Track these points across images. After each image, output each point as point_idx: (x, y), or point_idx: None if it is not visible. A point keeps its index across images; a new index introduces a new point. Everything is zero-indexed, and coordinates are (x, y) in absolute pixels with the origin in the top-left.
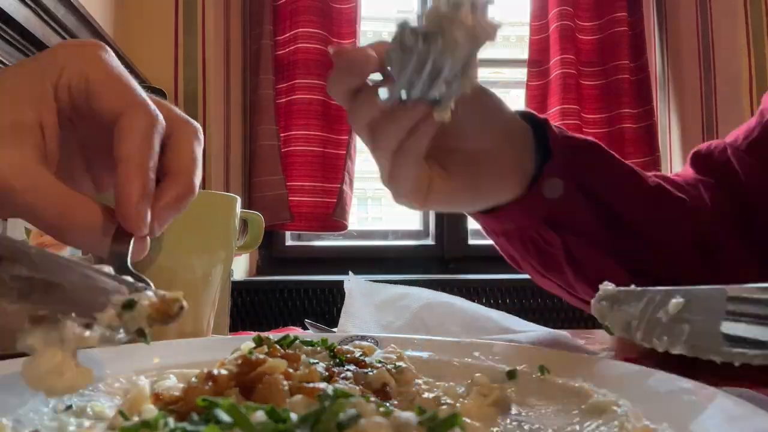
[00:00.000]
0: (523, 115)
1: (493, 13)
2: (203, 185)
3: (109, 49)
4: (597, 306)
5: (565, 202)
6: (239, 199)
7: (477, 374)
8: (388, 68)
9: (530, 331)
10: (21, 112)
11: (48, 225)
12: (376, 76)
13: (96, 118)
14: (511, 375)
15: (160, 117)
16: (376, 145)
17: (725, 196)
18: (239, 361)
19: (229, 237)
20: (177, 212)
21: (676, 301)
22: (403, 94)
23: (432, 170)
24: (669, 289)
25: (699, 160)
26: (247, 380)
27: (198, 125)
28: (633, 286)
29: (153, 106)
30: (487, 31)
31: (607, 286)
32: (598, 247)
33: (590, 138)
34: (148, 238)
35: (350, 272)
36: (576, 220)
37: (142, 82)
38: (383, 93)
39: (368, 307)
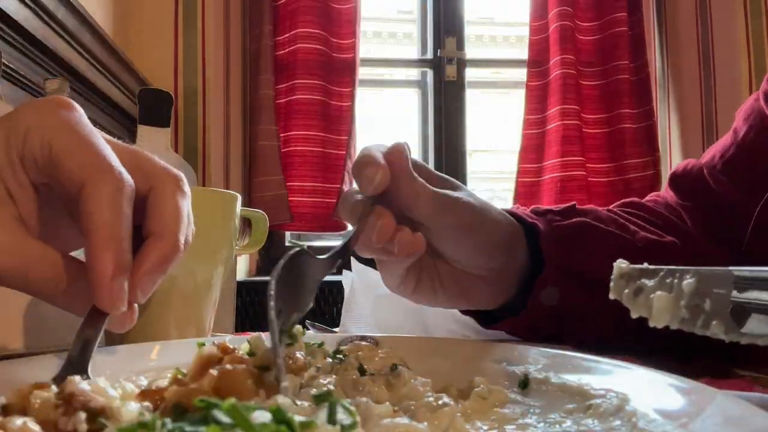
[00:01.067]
0: (511, 212)
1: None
2: (202, 184)
3: (75, 106)
4: (615, 284)
5: (560, 303)
6: (239, 197)
7: (477, 377)
8: None
9: None
10: None
11: (13, 280)
12: None
13: (65, 185)
14: (524, 385)
15: (128, 180)
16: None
17: (705, 218)
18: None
19: (230, 236)
20: (162, 275)
21: (688, 282)
22: None
23: (422, 275)
24: (680, 268)
25: (677, 183)
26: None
27: (180, 175)
28: (646, 264)
29: (119, 170)
30: None
31: (621, 264)
32: (597, 322)
33: (580, 219)
34: (135, 305)
35: (352, 258)
36: (573, 311)
37: (142, 82)
38: None
39: (368, 302)
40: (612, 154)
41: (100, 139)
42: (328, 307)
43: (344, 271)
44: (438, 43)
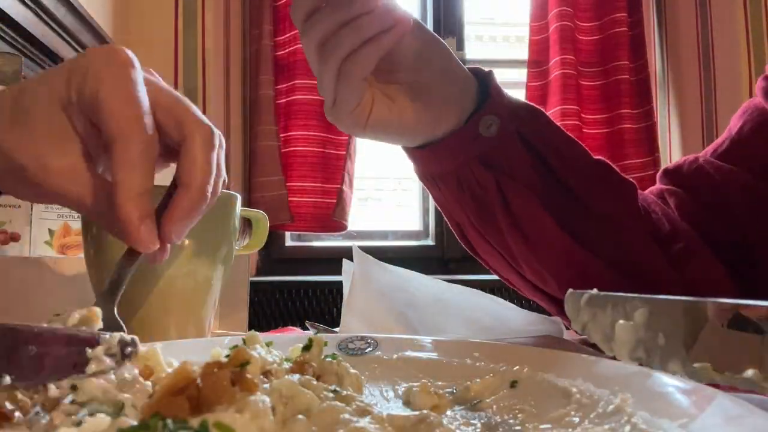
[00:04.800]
0: (471, 70)
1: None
2: None
3: (133, 60)
4: (567, 307)
5: (501, 143)
6: (239, 197)
7: (470, 383)
8: None
9: (529, 329)
10: (59, 121)
11: (97, 215)
12: None
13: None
14: (513, 384)
15: (152, 140)
16: (326, 59)
17: (689, 198)
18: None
19: (230, 236)
20: (191, 221)
21: (640, 312)
22: None
23: (375, 97)
24: (631, 296)
25: (666, 175)
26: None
27: (213, 129)
28: (595, 290)
29: (148, 128)
30: None
31: (572, 291)
32: (532, 191)
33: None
34: (168, 246)
35: (353, 245)
36: (511, 164)
37: None
38: None
39: (367, 296)
40: (612, 154)
41: (141, 93)
42: (328, 307)
43: (344, 260)
44: None
